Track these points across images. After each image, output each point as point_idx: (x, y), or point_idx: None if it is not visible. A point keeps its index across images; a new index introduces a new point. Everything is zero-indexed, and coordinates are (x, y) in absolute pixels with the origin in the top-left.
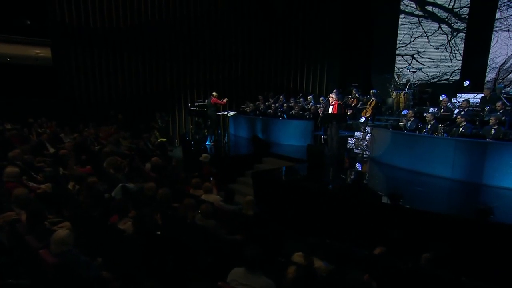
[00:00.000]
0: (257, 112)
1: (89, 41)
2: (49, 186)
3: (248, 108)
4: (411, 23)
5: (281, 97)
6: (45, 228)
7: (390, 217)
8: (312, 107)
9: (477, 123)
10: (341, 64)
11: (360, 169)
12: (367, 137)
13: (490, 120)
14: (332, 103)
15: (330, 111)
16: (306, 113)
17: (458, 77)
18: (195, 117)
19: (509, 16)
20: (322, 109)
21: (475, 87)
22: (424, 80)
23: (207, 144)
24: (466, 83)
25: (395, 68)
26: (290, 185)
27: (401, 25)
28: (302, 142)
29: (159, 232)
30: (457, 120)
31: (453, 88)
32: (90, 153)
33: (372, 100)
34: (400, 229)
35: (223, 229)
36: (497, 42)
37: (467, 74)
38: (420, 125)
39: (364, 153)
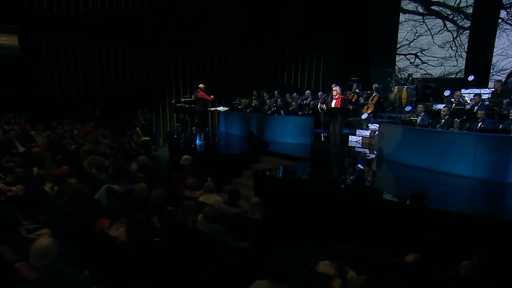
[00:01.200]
0: (250, 108)
1: (62, 28)
2: (21, 188)
3: (240, 105)
4: (414, 20)
5: (276, 92)
6: (21, 236)
7: (417, 220)
8: (311, 103)
9: (495, 117)
10: (338, 58)
11: (370, 168)
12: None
13: (511, 114)
14: (336, 97)
15: (333, 106)
16: (301, 112)
17: (462, 76)
18: (181, 114)
19: None
20: (324, 105)
21: (479, 83)
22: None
23: (197, 143)
24: (470, 78)
25: (396, 66)
26: (298, 185)
27: (404, 21)
28: (301, 140)
29: (157, 239)
30: (478, 114)
31: (457, 83)
32: (66, 152)
33: (375, 95)
34: (432, 233)
35: (227, 234)
36: (504, 42)
37: (471, 72)
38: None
39: (371, 151)
